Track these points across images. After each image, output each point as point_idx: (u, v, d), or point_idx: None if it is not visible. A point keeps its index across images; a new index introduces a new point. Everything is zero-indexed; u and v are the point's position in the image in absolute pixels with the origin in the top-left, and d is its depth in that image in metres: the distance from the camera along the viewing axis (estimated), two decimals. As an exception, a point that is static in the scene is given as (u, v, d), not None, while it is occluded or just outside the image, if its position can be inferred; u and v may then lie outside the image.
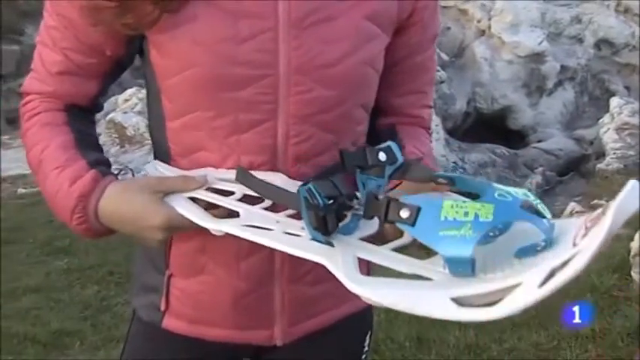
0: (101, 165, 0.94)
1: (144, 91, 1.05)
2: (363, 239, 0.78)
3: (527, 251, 0.65)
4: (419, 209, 0.67)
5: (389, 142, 0.85)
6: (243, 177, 0.88)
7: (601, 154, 7.21)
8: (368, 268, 0.85)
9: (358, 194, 0.83)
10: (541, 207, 0.68)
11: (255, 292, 0.99)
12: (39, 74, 0.98)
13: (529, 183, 7.23)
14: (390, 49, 0.97)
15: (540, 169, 7.62)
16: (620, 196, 0.55)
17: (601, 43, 9.28)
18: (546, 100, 8.93)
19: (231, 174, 0.90)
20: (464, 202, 0.66)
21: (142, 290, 1.07)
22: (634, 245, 3.13)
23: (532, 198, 0.69)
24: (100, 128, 6.99)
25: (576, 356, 2.66)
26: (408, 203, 0.69)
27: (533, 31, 8.81)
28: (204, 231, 0.86)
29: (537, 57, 8.79)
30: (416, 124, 1.08)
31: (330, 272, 1.01)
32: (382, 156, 0.83)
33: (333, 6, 0.90)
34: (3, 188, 5.89)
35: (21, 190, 5.69)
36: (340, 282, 1.06)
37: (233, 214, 0.85)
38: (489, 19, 8.93)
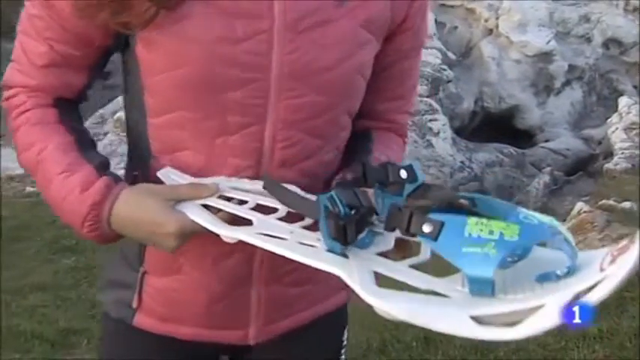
0: (106, 168, 0.93)
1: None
2: (379, 254, 0.77)
3: (549, 277, 0.64)
4: (442, 224, 0.66)
5: (411, 162, 0.85)
6: (270, 184, 0.88)
7: (609, 154, 7.17)
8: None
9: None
10: (566, 233, 0.67)
11: (231, 293, 0.99)
12: (21, 66, 0.93)
13: (536, 183, 7.20)
14: (379, 55, 0.97)
15: (548, 168, 7.59)
16: None
17: (609, 43, 9.23)
18: (554, 99, 8.89)
19: (244, 183, 0.90)
20: (489, 220, 0.65)
21: (111, 285, 1.05)
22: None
23: (558, 224, 0.68)
24: (108, 127, 7.00)
25: (584, 356, 2.65)
26: (431, 217, 0.68)
27: (541, 31, 8.78)
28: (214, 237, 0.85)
29: (545, 56, 8.75)
30: (392, 130, 1.08)
31: (309, 275, 1.00)
32: (403, 173, 0.82)
33: (331, 10, 0.88)
34: (11, 187, 5.91)
35: (28, 189, 5.72)
36: (322, 285, 1.06)
37: (244, 223, 0.84)
38: (497, 19, 8.90)
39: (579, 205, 4.79)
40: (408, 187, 0.82)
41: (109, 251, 1.06)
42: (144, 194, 0.88)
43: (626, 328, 2.75)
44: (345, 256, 0.74)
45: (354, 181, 0.85)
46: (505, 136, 8.48)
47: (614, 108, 7.62)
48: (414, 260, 0.75)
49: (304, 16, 0.87)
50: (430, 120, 7.37)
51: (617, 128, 7.10)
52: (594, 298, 0.56)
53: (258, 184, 0.90)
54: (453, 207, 0.71)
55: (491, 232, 0.63)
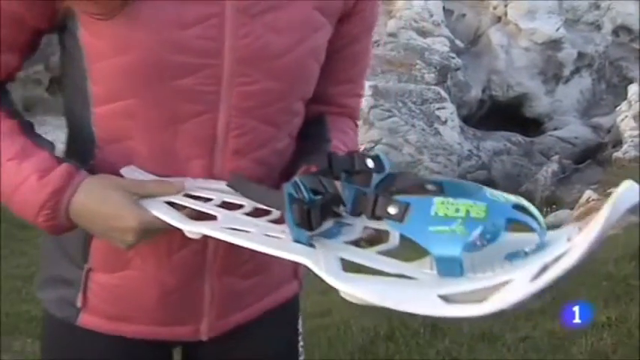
0: (55, 154, 0.88)
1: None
2: (347, 243, 0.75)
3: (517, 255, 0.64)
4: (408, 205, 0.65)
5: (377, 152, 0.84)
6: (236, 180, 0.86)
7: (618, 142, 7.14)
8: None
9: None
10: (534, 211, 0.66)
11: (184, 287, 0.96)
12: None
13: (545, 171, 7.19)
14: (331, 39, 0.94)
15: (556, 157, 7.57)
16: (616, 194, 0.55)
17: (619, 30, 9.16)
18: (563, 87, 8.85)
19: (210, 182, 0.88)
20: (455, 199, 0.65)
21: (53, 283, 0.99)
22: (651, 234, 3.11)
23: (525, 202, 0.67)
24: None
25: (591, 344, 2.64)
26: (397, 199, 0.67)
27: (551, 18, 8.72)
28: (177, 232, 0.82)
29: (554, 44, 8.70)
30: (345, 114, 1.06)
31: (261, 266, 0.98)
32: (370, 163, 0.81)
33: None
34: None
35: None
36: (274, 276, 1.04)
37: (209, 219, 0.82)
38: (505, 6, 8.85)
39: (588, 194, 4.79)
40: (376, 178, 0.80)
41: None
42: (108, 186, 0.85)
43: (634, 316, 2.75)
44: (312, 245, 0.72)
45: (319, 172, 0.82)
46: (513, 124, 8.45)
47: (624, 96, 7.58)
48: (382, 247, 0.73)
49: (257, 0, 0.84)
50: (438, 108, 7.35)
51: (626, 116, 7.06)
52: (561, 267, 0.55)
53: (224, 184, 0.88)
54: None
55: (457, 211, 0.63)
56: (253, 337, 1.05)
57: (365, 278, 0.64)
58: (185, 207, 0.83)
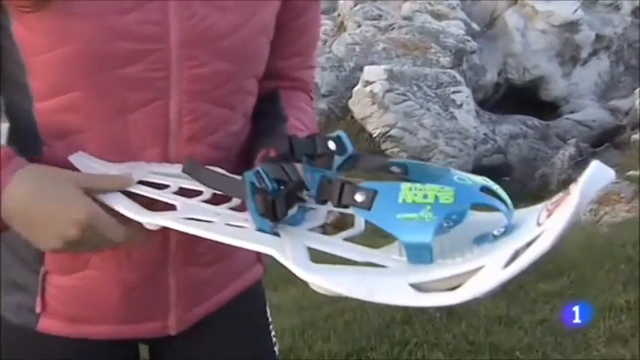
0: None
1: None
2: (312, 230, 0.73)
3: (486, 238, 0.63)
4: (375, 192, 0.64)
5: (339, 132, 0.81)
6: (190, 167, 0.82)
7: (636, 125, 7.06)
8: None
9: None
10: (501, 193, 0.65)
11: (147, 282, 0.93)
12: None
13: (561, 154, 7.12)
14: (277, 13, 0.93)
15: (573, 140, 7.50)
16: (586, 175, 0.54)
17: (638, 11, 9.02)
18: (580, 70, 8.75)
19: (165, 167, 0.85)
20: (423, 185, 0.63)
21: (7, 289, 0.94)
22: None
23: (492, 184, 0.66)
24: None
25: (610, 327, 2.63)
26: (363, 186, 0.65)
27: (568, -1, 8.61)
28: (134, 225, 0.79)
29: (571, 26, 8.59)
30: (298, 88, 1.04)
31: (223, 253, 0.97)
32: (331, 145, 0.79)
33: None
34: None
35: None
36: (237, 261, 1.00)
37: (167, 208, 0.79)
38: (522, -12, 8.74)
39: (606, 177, 4.72)
40: (338, 160, 0.79)
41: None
42: (52, 174, 0.79)
43: (653, 299, 2.73)
44: (277, 234, 0.71)
45: (280, 157, 0.80)
46: (529, 107, 8.38)
47: (643, 78, 7.47)
48: (348, 233, 0.72)
49: None
50: (453, 92, 7.29)
51: (644, 99, 6.96)
52: (533, 253, 0.54)
53: (180, 168, 0.85)
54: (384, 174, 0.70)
55: (425, 197, 0.62)
56: (222, 327, 1.03)
57: (333, 269, 0.62)
58: (141, 195, 0.80)
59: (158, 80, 0.83)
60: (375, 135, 6.73)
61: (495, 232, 0.62)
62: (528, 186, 6.74)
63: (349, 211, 0.72)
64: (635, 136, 6.53)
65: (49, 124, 0.85)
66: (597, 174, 0.54)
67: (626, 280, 2.97)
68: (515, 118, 8.02)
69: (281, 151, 0.81)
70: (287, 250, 0.67)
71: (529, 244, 0.55)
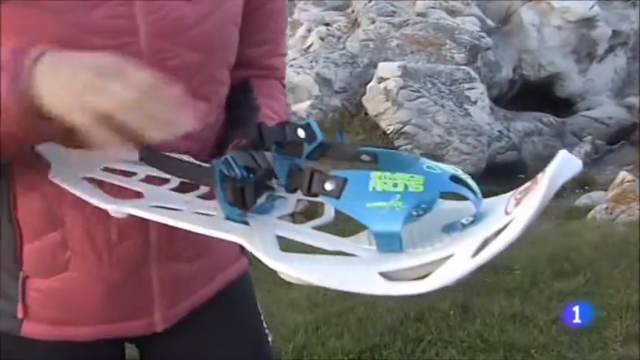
0: None
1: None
2: (281, 218, 0.73)
3: (455, 227, 0.63)
4: (345, 181, 0.64)
5: (308, 120, 0.81)
6: (149, 155, 0.81)
7: (653, 122, 6.98)
8: None
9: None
10: (470, 182, 0.65)
11: (130, 280, 0.92)
12: None
13: (577, 152, 7.06)
14: (245, 1, 0.93)
15: (589, 137, 7.44)
16: (553, 164, 0.54)
17: (656, 7, 8.92)
18: (596, 66, 8.66)
19: (132, 155, 0.83)
20: (393, 173, 0.63)
21: None
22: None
23: (461, 172, 0.66)
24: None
25: (626, 327, 2.60)
26: (333, 175, 0.65)
27: (584, -5, 8.53)
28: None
29: (588, 22, 8.51)
30: (270, 76, 1.04)
31: (205, 247, 0.96)
32: (301, 132, 0.79)
33: None
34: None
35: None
36: (221, 255, 0.99)
37: (134, 196, 0.79)
38: (538, -16, 8.67)
39: (622, 175, 4.69)
40: (307, 148, 0.79)
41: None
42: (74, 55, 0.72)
43: (670, 299, 2.70)
44: (246, 223, 0.70)
45: (250, 145, 0.80)
46: (544, 104, 8.31)
47: (660, 75, 7.39)
48: (317, 222, 0.72)
49: None
50: (468, 88, 7.25)
51: (662, 95, 6.89)
52: (502, 242, 0.54)
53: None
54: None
55: (395, 185, 0.62)
56: (211, 321, 1.02)
57: (303, 257, 0.62)
58: (107, 183, 0.79)
59: None
60: (388, 132, 6.70)
61: (464, 221, 0.63)
62: (543, 183, 6.69)
63: (319, 199, 0.72)
64: (652, 134, 6.46)
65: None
66: (565, 163, 0.55)
67: (642, 279, 2.94)
68: (530, 115, 7.96)
69: (251, 139, 0.80)
70: (256, 239, 0.66)
71: (498, 233, 0.55)
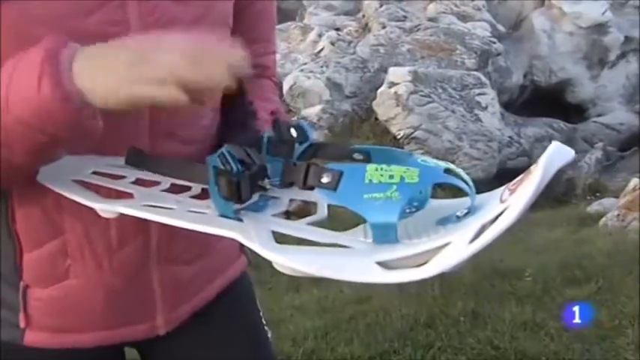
0: None
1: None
2: (275, 216, 0.73)
3: (449, 219, 0.63)
4: (341, 173, 0.64)
5: (299, 121, 0.82)
6: (136, 157, 0.80)
7: (665, 129, 6.93)
8: None
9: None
10: (464, 175, 0.66)
11: (131, 284, 0.92)
12: None
13: (588, 158, 7.02)
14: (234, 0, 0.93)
15: (600, 144, 7.40)
16: (547, 154, 0.56)
17: (668, 13, 8.87)
18: (608, 72, 8.62)
19: (120, 160, 0.83)
20: (389, 166, 0.64)
21: None
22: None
23: (454, 167, 0.67)
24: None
25: (639, 335, 2.58)
26: (329, 167, 0.65)
27: (596, 1, 8.49)
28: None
29: (600, 28, 8.47)
30: (262, 75, 1.05)
31: (203, 250, 0.96)
32: (293, 132, 0.80)
33: None
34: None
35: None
36: (219, 257, 1.00)
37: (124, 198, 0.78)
38: (549, -11, 8.64)
39: (634, 182, 4.65)
40: (299, 148, 0.79)
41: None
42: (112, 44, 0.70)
43: (683, 308, 2.67)
44: (240, 220, 0.70)
45: (244, 143, 0.78)
46: (555, 110, 8.28)
47: (672, 81, 7.35)
48: (311, 219, 0.72)
49: None
50: (478, 94, 7.23)
51: (674, 102, 6.84)
52: (499, 227, 0.54)
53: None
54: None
55: (391, 177, 0.62)
56: (212, 321, 1.02)
57: (300, 249, 0.62)
58: (96, 185, 0.78)
59: None
60: (399, 137, 6.69)
61: (459, 214, 0.63)
62: (554, 190, 6.65)
63: (312, 198, 0.73)
64: (664, 141, 6.41)
65: None
66: (558, 152, 0.56)
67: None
68: (541, 120, 7.93)
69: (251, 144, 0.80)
70: (251, 233, 0.66)
71: (494, 220, 0.56)
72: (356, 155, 0.76)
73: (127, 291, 0.92)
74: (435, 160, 0.68)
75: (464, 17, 8.56)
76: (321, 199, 0.74)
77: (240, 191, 0.69)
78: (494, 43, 8.14)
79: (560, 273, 3.21)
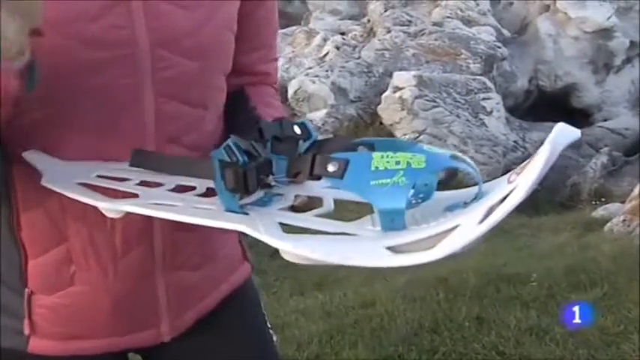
0: None
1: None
2: (281, 210, 0.73)
3: (457, 206, 0.63)
4: (347, 161, 0.64)
5: (303, 120, 0.82)
6: (140, 157, 0.80)
7: (671, 134, 6.91)
8: None
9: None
10: (470, 161, 0.66)
11: (136, 291, 0.91)
12: None
13: (593, 163, 7.00)
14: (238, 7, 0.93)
15: (606, 148, 7.37)
16: (553, 134, 0.56)
17: (674, 18, 8.86)
18: (614, 77, 8.60)
19: (123, 164, 0.83)
20: (395, 153, 0.64)
21: None
22: None
23: (460, 154, 0.67)
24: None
25: (644, 341, 2.56)
26: (335, 156, 0.65)
27: (602, 6, 8.48)
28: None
29: (605, 33, 8.46)
30: (264, 82, 1.05)
31: (208, 254, 0.96)
32: (297, 129, 0.80)
33: None
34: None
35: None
36: (224, 262, 0.99)
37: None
38: (554, -6, 8.64)
39: (639, 187, 4.63)
40: (302, 145, 0.79)
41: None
42: None
43: (689, 314, 2.66)
44: (246, 214, 0.70)
45: (249, 139, 0.79)
46: (560, 115, 8.24)
47: (678, 86, 7.33)
48: (318, 211, 0.72)
49: None
50: (483, 99, 7.23)
51: (680, 107, 6.82)
52: (507, 206, 0.55)
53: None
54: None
55: (397, 163, 0.62)
56: (215, 326, 1.02)
57: (307, 237, 0.61)
58: (101, 187, 0.78)
59: (130, 85, 0.82)
60: (403, 141, 6.69)
61: (466, 200, 0.63)
62: (559, 195, 6.64)
63: (318, 194, 0.73)
64: (670, 146, 6.39)
65: (28, 142, 0.83)
66: (563, 132, 0.57)
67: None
68: (546, 125, 7.91)
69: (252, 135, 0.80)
70: (258, 224, 0.66)
71: (502, 200, 0.56)
72: (360, 148, 0.76)
73: (131, 297, 0.92)
74: (441, 149, 0.68)
75: (469, 22, 8.56)
76: (327, 193, 0.74)
77: (247, 182, 0.70)
78: (500, 47, 8.14)
79: (565, 278, 3.20)
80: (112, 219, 0.79)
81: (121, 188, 0.79)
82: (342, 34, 8.82)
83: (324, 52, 8.25)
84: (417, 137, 6.68)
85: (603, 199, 5.83)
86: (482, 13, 8.75)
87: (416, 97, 6.80)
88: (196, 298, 0.99)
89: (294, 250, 0.60)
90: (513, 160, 7.21)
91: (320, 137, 0.81)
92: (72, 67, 0.79)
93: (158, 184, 0.80)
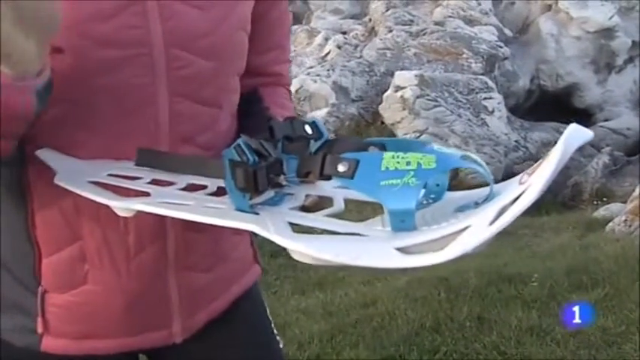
0: None
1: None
2: (292, 209, 0.73)
3: (467, 207, 0.63)
4: (357, 162, 0.64)
5: (314, 118, 0.82)
6: (148, 157, 0.81)
7: (673, 134, 6.91)
8: None
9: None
10: (480, 161, 0.65)
11: (148, 291, 0.91)
12: None
13: (595, 163, 6.99)
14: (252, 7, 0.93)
15: (607, 148, 7.36)
16: (565, 134, 0.56)
17: (676, 18, 8.85)
18: (615, 77, 8.60)
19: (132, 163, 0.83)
20: (405, 153, 0.63)
21: (7, 311, 0.92)
22: None
23: (470, 154, 0.66)
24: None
25: (646, 341, 2.56)
26: (345, 156, 0.65)
27: (604, 5, 8.47)
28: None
29: (607, 32, 8.45)
30: (277, 83, 1.05)
31: (220, 256, 0.97)
32: (308, 129, 0.80)
33: None
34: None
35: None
36: (235, 264, 1.00)
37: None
38: (556, -7, 8.63)
39: (641, 187, 4.63)
40: (313, 145, 0.79)
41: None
42: None
43: (691, 314, 2.66)
44: (256, 213, 0.70)
45: (260, 138, 0.79)
46: (562, 115, 8.25)
47: (680, 86, 7.32)
48: (328, 211, 0.72)
49: None
50: (485, 98, 7.22)
51: (682, 107, 6.82)
52: (519, 207, 0.54)
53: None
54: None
55: (408, 164, 0.62)
56: (224, 329, 1.02)
57: (317, 237, 0.61)
58: (112, 186, 0.79)
59: (144, 85, 0.82)
60: (405, 140, 6.68)
61: (477, 201, 0.63)
62: (560, 195, 6.63)
63: (328, 194, 0.73)
64: (672, 146, 6.38)
65: (44, 140, 0.83)
66: (576, 133, 0.57)
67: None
68: (548, 125, 7.91)
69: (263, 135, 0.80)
70: (268, 224, 0.66)
71: (514, 201, 0.56)
72: (371, 148, 0.76)
73: (144, 297, 0.92)
74: (451, 149, 0.68)
75: (470, 21, 8.56)
76: (338, 193, 0.74)
77: (257, 182, 0.70)
78: (501, 47, 8.13)
79: (566, 278, 3.20)
80: (125, 218, 0.79)
81: (133, 187, 0.79)
82: (344, 33, 8.81)
83: (325, 52, 8.25)
84: (419, 137, 6.67)
85: (605, 199, 5.82)
86: (484, 13, 8.75)
87: (417, 97, 6.79)
88: (208, 300, 0.99)
89: (302, 249, 0.60)
90: (515, 159, 7.21)
91: (331, 137, 0.81)
92: (86, 67, 0.79)
93: (169, 183, 0.80)
